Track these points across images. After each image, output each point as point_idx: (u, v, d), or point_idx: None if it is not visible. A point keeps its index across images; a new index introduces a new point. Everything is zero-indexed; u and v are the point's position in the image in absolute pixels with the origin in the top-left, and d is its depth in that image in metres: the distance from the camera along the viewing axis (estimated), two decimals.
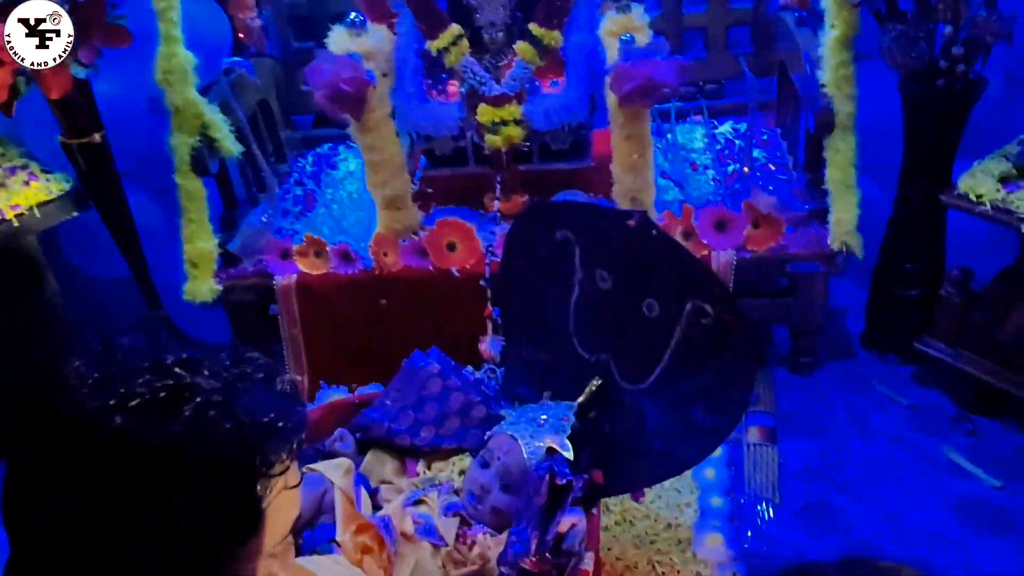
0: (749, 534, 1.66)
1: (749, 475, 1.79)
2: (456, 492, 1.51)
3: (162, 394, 0.72)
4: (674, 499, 1.70)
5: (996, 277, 1.83)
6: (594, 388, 1.50)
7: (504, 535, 1.43)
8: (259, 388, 0.78)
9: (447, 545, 1.42)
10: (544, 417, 1.48)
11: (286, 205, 2.25)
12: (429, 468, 1.58)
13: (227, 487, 0.74)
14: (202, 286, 2.00)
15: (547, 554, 1.27)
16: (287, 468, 0.78)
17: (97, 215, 2.04)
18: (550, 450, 1.42)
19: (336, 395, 2.04)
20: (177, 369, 0.74)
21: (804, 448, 1.87)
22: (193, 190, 1.97)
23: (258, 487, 0.75)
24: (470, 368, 1.77)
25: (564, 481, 1.30)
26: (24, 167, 2.03)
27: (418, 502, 1.49)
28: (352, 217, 2.19)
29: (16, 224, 1.90)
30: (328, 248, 1.99)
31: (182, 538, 0.72)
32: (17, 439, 0.75)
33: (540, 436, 1.45)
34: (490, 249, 1.93)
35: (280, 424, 0.77)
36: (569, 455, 1.41)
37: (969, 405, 1.91)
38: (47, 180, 2.01)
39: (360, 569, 1.37)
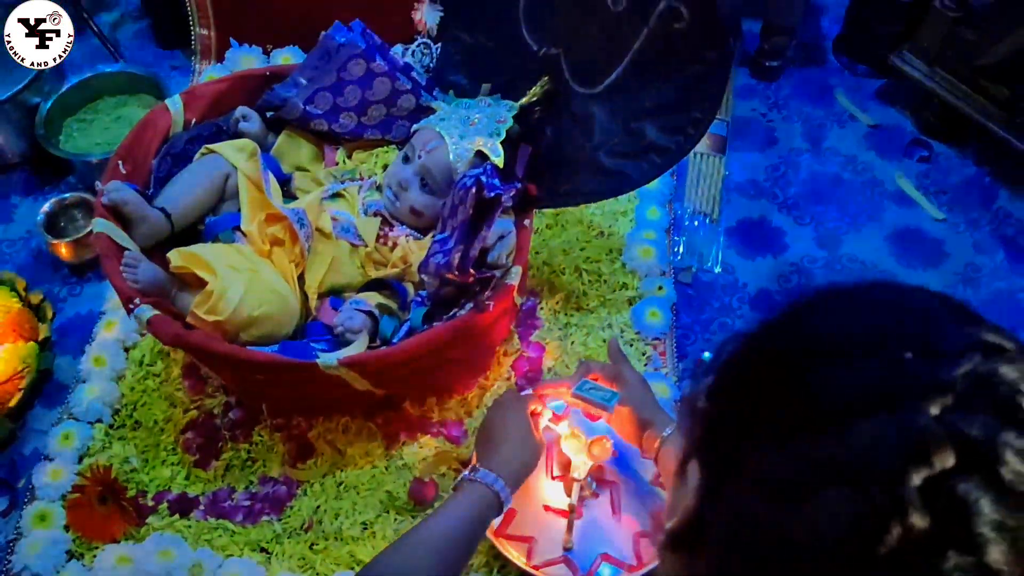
0: (680, 248, 1.60)
1: (691, 186, 1.70)
2: (378, 188, 1.37)
3: None
4: (610, 207, 1.60)
5: None
6: (542, 88, 1.32)
7: (427, 239, 1.34)
8: None
9: (366, 246, 1.32)
10: (478, 117, 1.31)
11: None
12: (350, 157, 1.43)
13: None
14: None
15: (470, 269, 1.17)
16: None
17: None
18: (480, 154, 1.28)
19: (248, 55, 1.81)
20: None
21: (753, 161, 1.76)
22: None
23: None
24: (399, 48, 1.55)
25: (492, 194, 1.16)
26: None
27: (336, 196, 1.36)
28: None
29: None
30: None
31: None
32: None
33: (470, 137, 1.29)
34: None
35: None
36: (499, 161, 1.27)
37: (930, 129, 1.80)
38: None
39: (268, 261, 1.26)
